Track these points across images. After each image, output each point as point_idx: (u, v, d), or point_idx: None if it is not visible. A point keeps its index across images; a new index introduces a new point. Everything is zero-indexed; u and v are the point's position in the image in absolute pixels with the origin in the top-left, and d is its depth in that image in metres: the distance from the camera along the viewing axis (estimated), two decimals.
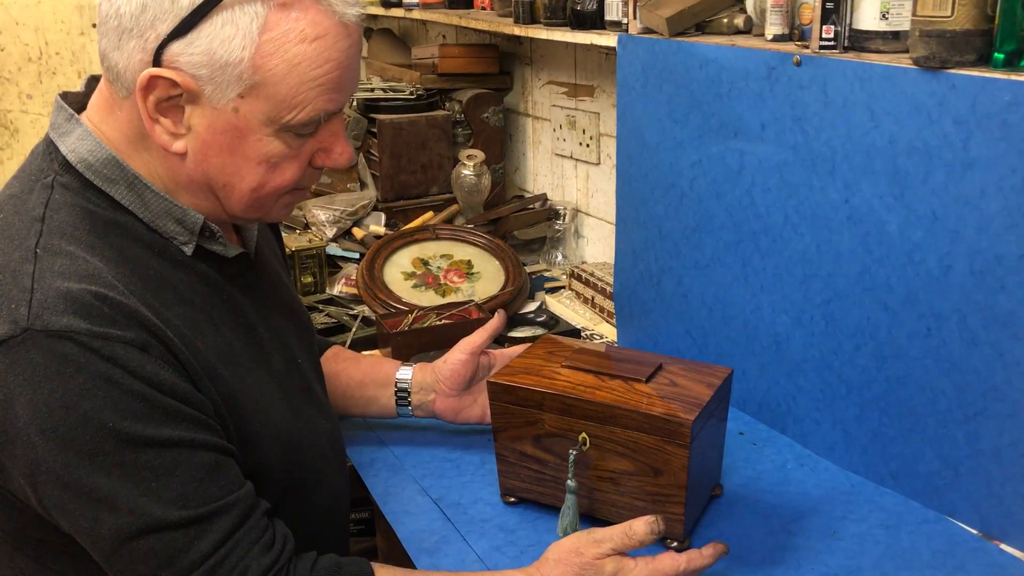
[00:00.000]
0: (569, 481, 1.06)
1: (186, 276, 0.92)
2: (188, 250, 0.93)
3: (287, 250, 1.75)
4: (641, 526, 0.95)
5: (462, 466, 1.25)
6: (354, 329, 1.63)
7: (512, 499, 1.16)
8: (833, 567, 1.03)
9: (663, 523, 0.95)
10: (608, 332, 1.69)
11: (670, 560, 0.94)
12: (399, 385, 1.25)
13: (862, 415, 1.18)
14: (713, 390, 1.06)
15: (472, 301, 1.66)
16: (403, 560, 1.11)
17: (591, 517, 1.11)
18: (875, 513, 1.13)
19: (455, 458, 1.26)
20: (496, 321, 1.25)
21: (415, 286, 1.76)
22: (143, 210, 0.90)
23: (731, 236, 1.31)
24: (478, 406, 1.24)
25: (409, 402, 1.25)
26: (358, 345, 1.61)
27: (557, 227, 1.97)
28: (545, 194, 2.09)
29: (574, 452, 1.05)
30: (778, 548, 1.07)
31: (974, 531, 1.09)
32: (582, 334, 1.68)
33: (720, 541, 0.97)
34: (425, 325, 1.58)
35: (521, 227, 2.02)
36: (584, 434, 1.06)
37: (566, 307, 1.79)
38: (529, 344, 1.22)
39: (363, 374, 1.26)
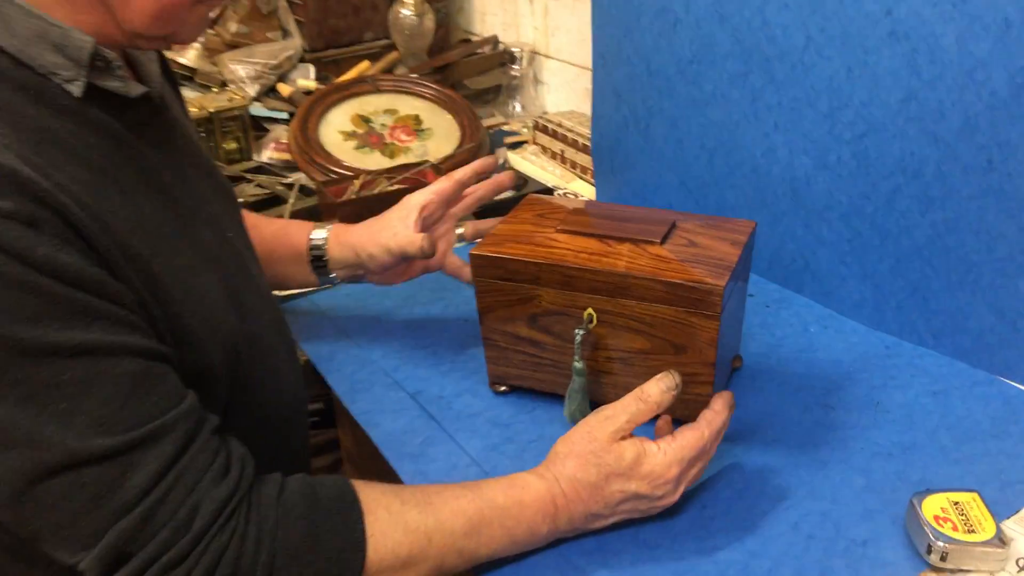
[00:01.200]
0: (576, 363, 0.89)
1: (76, 127, 0.68)
2: (76, 90, 0.67)
3: (204, 113, 1.50)
4: (654, 385, 0.79)
5: (440, 353, 1.06)
6: (291, 200, 1.41)
7: (503, 388, 0.99)
8: (884, 444, 0.89)
9: (677, 376, 0.79)
10: (584, 190, 1.50)
11: (692, 433, 0.79)
12: (314, 253, 1.05)
13: (899, 267, 1.02)
14: (740, 248, 0.89)
15: (427, 162, 1.45)
16: (377, 464, 0.94)
17: (598, 405, 0.95)
18: (919, 378, 0.99)
19: (430, 345, 1.08)
20: (467, 172, 1.05)
21: (358, 147, 1.54)
22: (4, 34, 0.65)
23: (738, 66, 1.11)
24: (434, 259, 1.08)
25: (332, 276, 1.07)
26: (298, 218, 1.40)
27: (513, 73, 1.74)
28: (496, 36, 1.85)
29: (580, 332, 0.88)
30: (818, 426, 0.92)
31: None
32: (555, 193, 1.49)
33: (743, 414, 0.82)
34: (376, 192, 1.37)
35: (472, 75, 1.79)
36: (590, 310, 0.89)
37: (533, 164, 1.59)
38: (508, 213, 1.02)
39: (268, 248, 1.04)
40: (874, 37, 0.95)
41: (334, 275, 1.05)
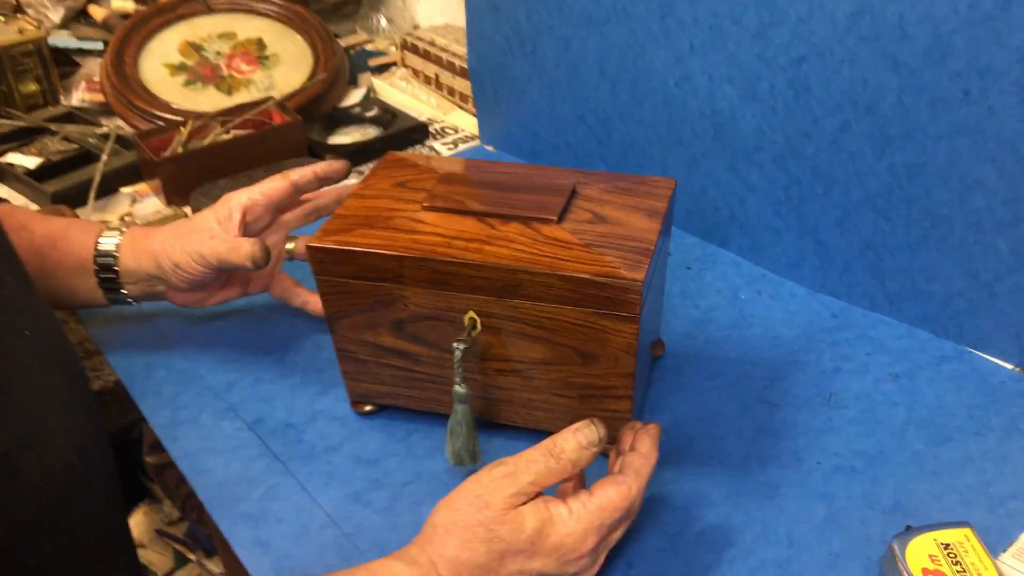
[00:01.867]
0: (457, 387, 0.68)
1: None
2: None
3: None
4: (571, 439, 0.59)
5: (288, 362, 0.84)
6: (104, 156, 1.14)
7: (369, 407, 0.78)
8: (844, 454, 0.72)
9: (602, 428, 0.60)
10: (465, 123, 1.27)
11: (616, 490, 0.59)
12: (101, 262, 0.79)
13: (847, 220, 0.84)
14: (659, 221, 0.68)
15: (271, 98, 1.19)
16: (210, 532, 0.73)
17: (491, 425, 0.75)
18: (876, 356, 0.82)
19: (275, 350, 0.86)
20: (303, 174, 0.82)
21: (188, 83, 1.26)
22: None
23: None
24: (259, 279, 0.86)
25: (124, 293, 0.81)
26: (115, 180, 1.13)
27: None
28: None
29: (460, 346, 0.67)
30: (762, 433, 0.74)
31: (1010, 366, 0.79)
32: (430, 128, 1.25)
33: (671, 423, 0.64)
34: (207, 142, 1.11)
35: None
36: (472, 313, 0.68)
37: (403, 92, 1.34)
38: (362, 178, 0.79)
39: (41, 257, 0.79)
40: None
41: (126, 291, 0.81)
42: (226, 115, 1.16)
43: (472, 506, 0.57)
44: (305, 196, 0.84)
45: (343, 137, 1.22)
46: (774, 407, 0.76)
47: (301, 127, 1.14)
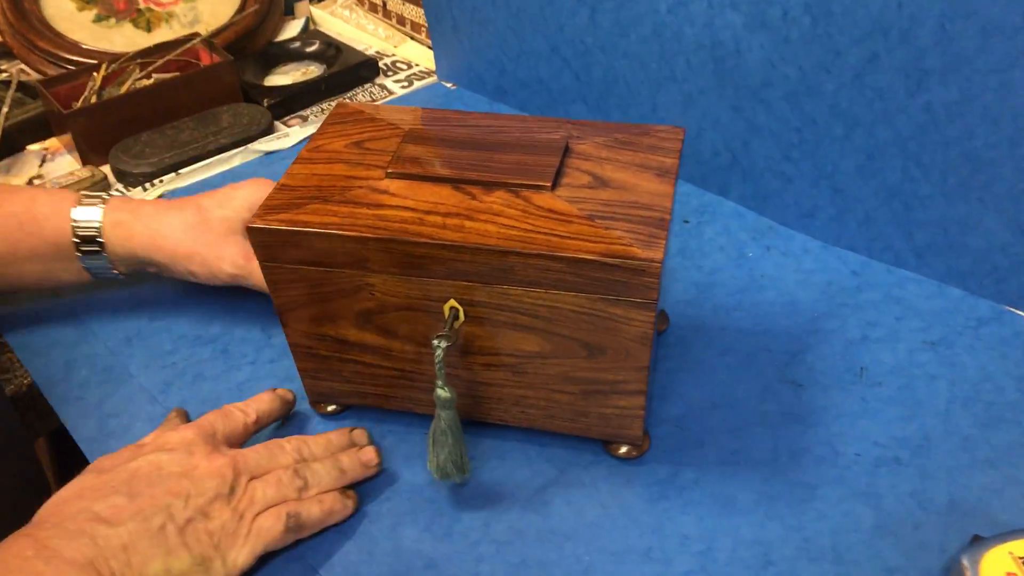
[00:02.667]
0: (440, 391, 0.57)
1: None
2: None
3: None
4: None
5: (232, 353, 0.72)
6: (4, 108, 0.98)
7: (332, 408, 0.67)
8: (886, 442, 0.62)
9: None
10: (419, 56, 1.13)
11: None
12: (83, 249, 0.69)
13: (871, 165, 0.73)
14: (672, 184, 0.57)
15: (197, 35, 1.04)
16: None
17: (477, 426, 0.64)
18: (907, 320, 0.72)
19: (218, 338, 0.73)
20: None
21: (99, 19, 1.10)
22: None
23: None
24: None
25: (115, 274, 0.71)
26: (20, 136, 0.98)
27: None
28: None
29: (441, 344, 0.56)
30: (789, 419, 0.64)
31: None
32: (380, 63, 1.11)
33: (683, 413, 0.53)
34: (125, 89, 0.97)
35: None
36: (452, 302, 0.57)
37: (346, 23, 1.19)
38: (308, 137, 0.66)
39: (7, 241, 0.67)
40: None
41: (117, 272, 0.71)
42: (145, 56, 1.00)
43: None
44: None
45: (281, 77, 1.08)
46: (799, 387, 0.67)
47: (233, 67, 0.99)
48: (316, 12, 1.21)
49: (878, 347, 0.70)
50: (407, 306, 0.57)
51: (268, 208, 0.57)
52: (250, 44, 1.11)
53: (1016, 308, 0.72)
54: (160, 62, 1.00)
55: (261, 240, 0.56)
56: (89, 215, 0.67)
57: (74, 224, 0.67)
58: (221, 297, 0.76)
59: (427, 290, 0.56)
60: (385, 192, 0.57)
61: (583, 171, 0.58)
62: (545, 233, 0.53)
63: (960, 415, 0.64)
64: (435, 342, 0.56)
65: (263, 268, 0.58)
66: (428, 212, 0.55)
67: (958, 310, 0.73)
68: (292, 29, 1.17)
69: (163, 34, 1.10)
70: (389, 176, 0.58)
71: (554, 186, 0.56)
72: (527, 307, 0.55)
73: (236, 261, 0.68)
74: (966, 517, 0.57)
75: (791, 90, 0.74)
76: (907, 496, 0.59)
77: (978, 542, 0.53)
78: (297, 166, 0.60)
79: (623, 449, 0.62)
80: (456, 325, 0.57)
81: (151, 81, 0.98)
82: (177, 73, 1.00)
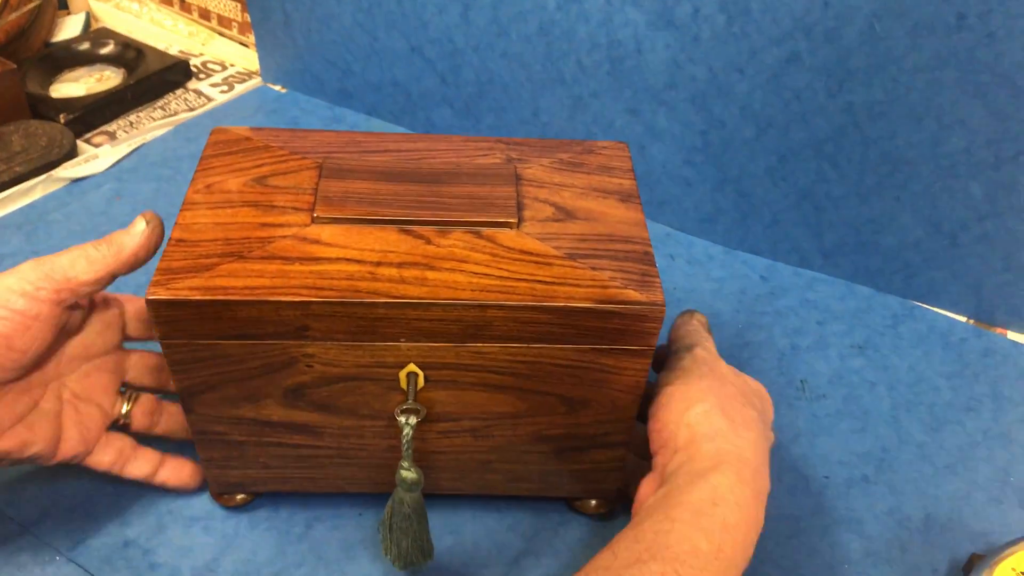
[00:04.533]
0: (407, 472, 0.47)
1: None
2: None
3: None
4: None
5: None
6: None
7: (240, 497, 0.55)
8: (848, 457, 0.60)
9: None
10: (234, 55, 0.99)
11: None
12: None
13: (783, 166, 0.71)
14: (640, 209, 0.52)
15: None
16: None
17: (428, 499, 0.55)
18: (829, 325, 0.70)
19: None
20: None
21: None
22: None
23: None
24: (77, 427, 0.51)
25: None
26: None
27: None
28: None
29: (411, 420, 0.47)
30: None
31: (963, 319, 0.72)
32: (192, 64, 0.96)
33: None
34: None
35: None
36: (412, 366, 0.48)
37: (137, 18, 1.03)
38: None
39: None
40: None
41: None
42: None
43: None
44: None
45: (71, 86, 0.91)
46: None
47: (15, 77, 0.82)
48: (97, 6, 1.03)
49: (809, 356, 0.68)
50: (352, 376, 0.48)
51: (169, 273, 0.45)
52: (23, 47, 0.92)
53: (923, 302, 0.72)
54: None
55: (165, 315, 0.44)
56: None
57: None
58: None
59: (379, 356, 0.47)
60: (317, 241, 0.47)
61: (542, 201, 0.51)
62: (527, 280, 0.45)
63: (908, 421, 0.63)
64: (402, 419, 0.47)
65: (165, 347, 0.46)
66: (378, 263, 0.46)
67: (871, 308, 0.72)
68: (71, 27, 0.99)
69: None
70: (317, 221, 0.48)
71: (519, 222, 0.48)
72: (504, 366, 0.47)
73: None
74: (946, 532, 0.56)
75: (698, 91, 0.70)
76: (885, 516, 0.57)
77: (979, 561, 0.52)
78: (189, 214, 0.48)
79: (593, 503, 0.56)
80: (419, 394, 0.48)
81: None
82: None
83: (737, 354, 0.67)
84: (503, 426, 0.51)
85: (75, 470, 0.53)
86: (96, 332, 0.51)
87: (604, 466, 0.53)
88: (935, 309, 0.72)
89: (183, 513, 0.55)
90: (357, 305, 0.44)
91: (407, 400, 0.47)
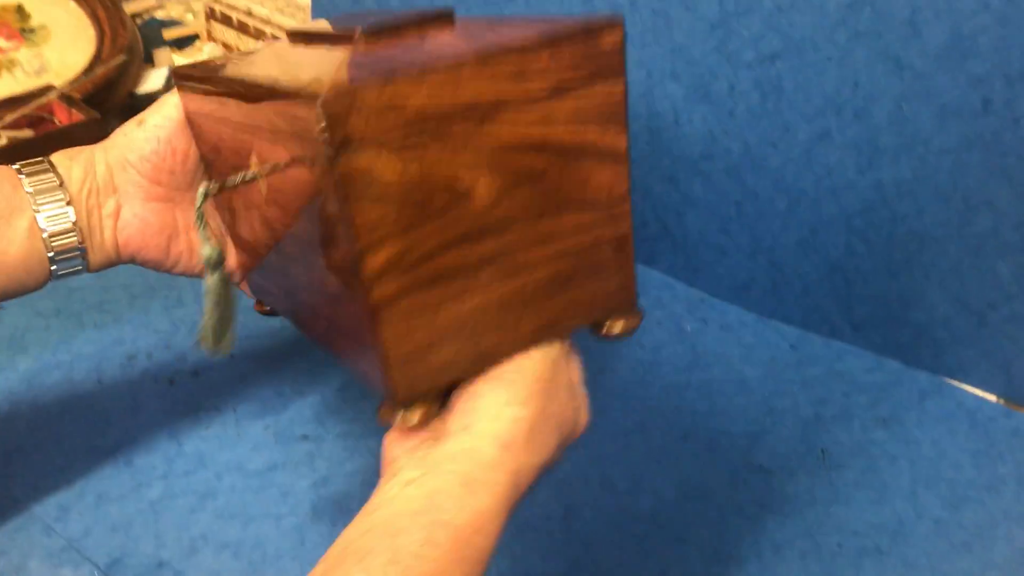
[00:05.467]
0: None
1: None
2: None
3: None
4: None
5: (136, 465, 0.62)
6: None
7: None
8: (865, 530, 0.61)
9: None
10: None
11: None
12: (59, 242, 0.50)
13: (813, 240, 0.72)
14: None
15: (51, 88, 0.92)
16: None
17: None
18: (855, 396, 0.71)
19: (120, 445, 0.63)
20: None
21: None
22: None
23: None
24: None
25: (78, 234, 0.50)
26: None
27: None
28: None
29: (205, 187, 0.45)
30: (765, 509, 0.62)
31: (994, 398, 0.72)
32: None
33: (658, 507, 0.48)
34: None
35: None
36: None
37: None
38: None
39: None
40: None
41: (82, 251, 0.51)
42: None
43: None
44: None
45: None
46: (767, 473, 0.64)
47: (102, 126, 0.88)
48: (179, 60, 1.11)
49: (833, 426, 0.69)
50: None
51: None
52: (110, 97, 0.99)
53: (952, 379, 0.73)
54: (8, 119, 0.87)
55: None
56: (58, 209, 0.50)
57: (45, 233, 0.49)
58: (117, 395, 0.66)
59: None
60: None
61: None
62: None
63: (926, 496, 0.64)
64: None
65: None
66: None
67: (900, 382, 0.73)
68: (154, 79, 1.06)
69: (5, 84, 0.97)
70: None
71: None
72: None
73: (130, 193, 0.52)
74: None
75: (733, 163, 0.72)
76: None
77: None
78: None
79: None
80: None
81: (4, 142, 0.85)
82: (30, 132, 0.88)
83: (761, 419, 0.69)
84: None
85: (121, 491, 0.57)
86: None
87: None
88: (964, 386, 0.73)
89: (216, 538, 0.58)
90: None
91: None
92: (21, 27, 1.02)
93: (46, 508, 0.58)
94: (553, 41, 0.39)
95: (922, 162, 0.65)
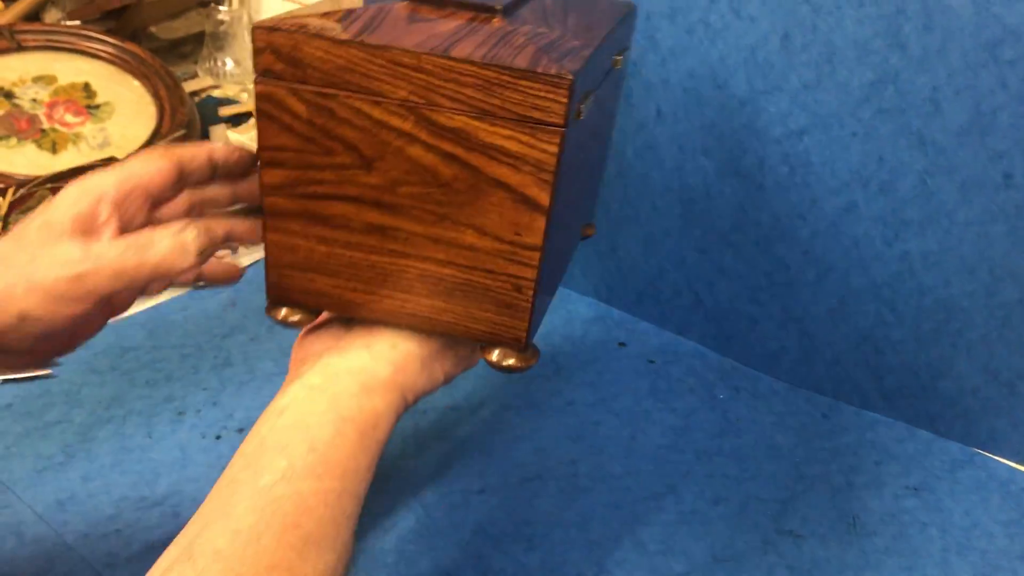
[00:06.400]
0: None
1: None
2: None
3: None
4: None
5: (182, 512, 0.64)
6: None
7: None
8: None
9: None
10: None
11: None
12: None
13: (843, 310, 0.74)
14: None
15: (114, 160, 0.97)
16: None
17: None
18: (886, 465, 0.72)
19: (165, 495, 0.65)
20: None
21: (0, 139, 1.02)
22: None
23: None
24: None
25: None
26: None
27: (221, 16, 1.27)
28: None
29: None
30: (794, 573, 0.62)
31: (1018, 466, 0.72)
32: None
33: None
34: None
35: (161, 19, 1.29)
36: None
37: None
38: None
39: None
40: None
41: None
42: (57, 180, 0.93)
43: None
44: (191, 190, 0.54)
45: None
46: (798, 538, 0.65)
47: None
48: (234, 136, 1.16)
49: (864, 493, 0.69)
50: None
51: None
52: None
53: (987, 451, 0.73)
54: None
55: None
56: None
57: None
58: (166, 449, 0.68)
59: None
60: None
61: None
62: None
63: (958, 564, 0.64)
64: None
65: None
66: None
67: (931, 452, 0.73)
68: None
69: (71, 156, 1.02)
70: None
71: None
72: None
73: (68, 257, 0.47)
74: None
75: (762, 235, 0.75)
76: None
77: None
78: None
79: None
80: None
81: None
82: None
83: (792, 485, 0.70)
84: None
85: (168, 541, 0.59)
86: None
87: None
88: (996, 457, 0.73)
89: None
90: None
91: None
92: (88, 104, 1.08)
93: (96, 555, 0.61)
94: (507, 70, 0.41)
95: (947, 234, 0.66)
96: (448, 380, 0.52)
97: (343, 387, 0.46)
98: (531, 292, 0.46)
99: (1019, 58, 0.59)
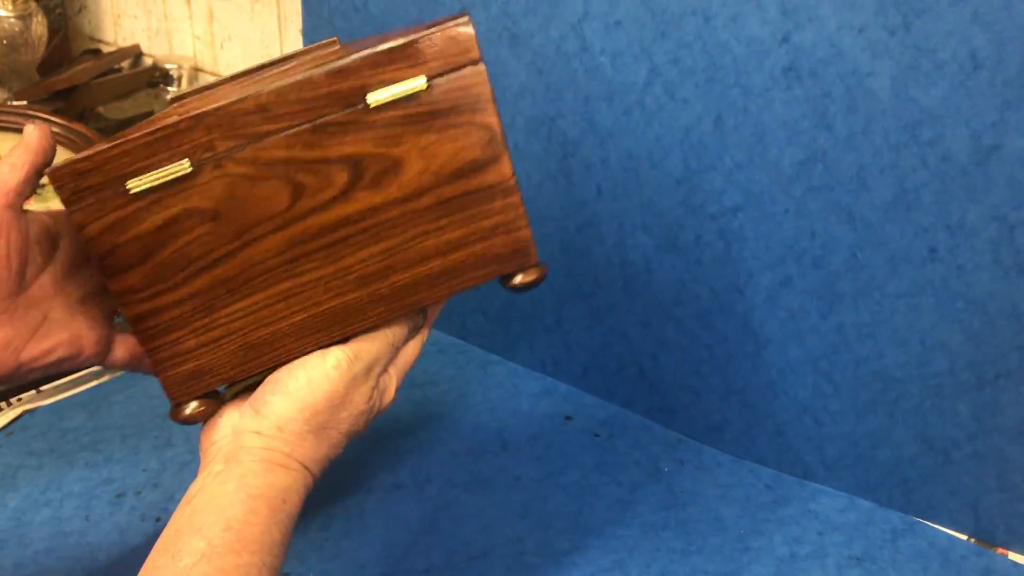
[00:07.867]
0: None
1: None
2: None
3: None
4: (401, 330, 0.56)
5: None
6: None
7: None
8: None
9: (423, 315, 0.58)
10: None
11: (412, 345, 0.58)
12: None
13: (781, 382, 0.76)
14: None
15: None
16: None
17: None
18: (828, 536, 0.73)
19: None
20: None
21: None
22: None
23: (540, 107, 0.78)
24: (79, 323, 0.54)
25: None
26: None
27: (169, 97, 1.29)
28: (138, 46, 1.37)
29: None
30: None
31: (965, 537, 0.73)
32: None
33: None
34: None
35: (109, 100, 1.30)
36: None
37: None
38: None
39: None
40: (761, 74, 0.67)
41: None
42: None
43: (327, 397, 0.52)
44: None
45: None
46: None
47: None
48: None
49: (808, 564, 0.70)
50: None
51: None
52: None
53: (924, 519, 0.74)
54: None
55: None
56: None
57: None
58: (104, 532, 0.67)
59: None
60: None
61: None
62: None
63: None
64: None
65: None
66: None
67: (872, 522, 0.74)
68: None
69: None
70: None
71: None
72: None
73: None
74: None
75: (702, 308, 0.76)
76: None
77: None
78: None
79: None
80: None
81: None
82: None
83: (737, 557, 0.70)
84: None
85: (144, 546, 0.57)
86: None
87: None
88: (935, 526, 0.74)
89: None
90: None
91: None
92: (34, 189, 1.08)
93: None
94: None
95: (879, 306, 0.68)
96: (351, 437, 0.54)
97: (247, 467, 0.49)
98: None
99: (937, 138, 0.62)
